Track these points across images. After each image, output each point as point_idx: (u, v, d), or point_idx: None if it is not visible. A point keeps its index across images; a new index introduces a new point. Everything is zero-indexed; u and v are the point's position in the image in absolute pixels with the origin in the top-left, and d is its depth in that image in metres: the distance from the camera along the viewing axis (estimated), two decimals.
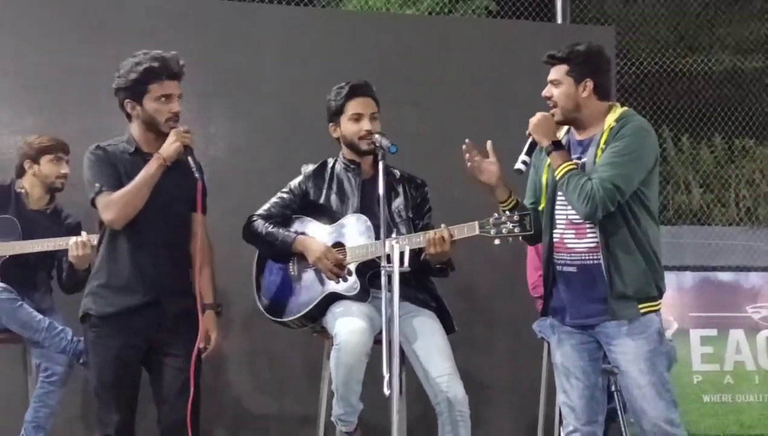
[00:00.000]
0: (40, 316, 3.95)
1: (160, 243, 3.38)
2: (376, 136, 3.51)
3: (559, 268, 3.25)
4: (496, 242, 3.26)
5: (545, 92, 3.28)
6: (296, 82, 5.06)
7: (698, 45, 8.59)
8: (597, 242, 3.16)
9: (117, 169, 3.39)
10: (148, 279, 3.35)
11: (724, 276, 5.93)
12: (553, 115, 3.26)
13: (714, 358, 5.46)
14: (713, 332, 5.53)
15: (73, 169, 4.31)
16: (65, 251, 3.99)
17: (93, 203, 3.41)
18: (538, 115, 3.25)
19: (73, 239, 3.90)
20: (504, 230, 3.24)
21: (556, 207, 3.26)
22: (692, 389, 5.42)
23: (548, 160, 3.27)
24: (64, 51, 4.84)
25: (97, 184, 3.36)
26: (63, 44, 4.86)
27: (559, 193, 3.24)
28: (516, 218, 3.23)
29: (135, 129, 3.46)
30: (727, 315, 5.58)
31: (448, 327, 3.61)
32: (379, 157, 3.41)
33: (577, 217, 3.18)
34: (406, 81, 5.07)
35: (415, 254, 3.34)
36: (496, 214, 3.28)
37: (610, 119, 3.24)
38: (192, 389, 3.26)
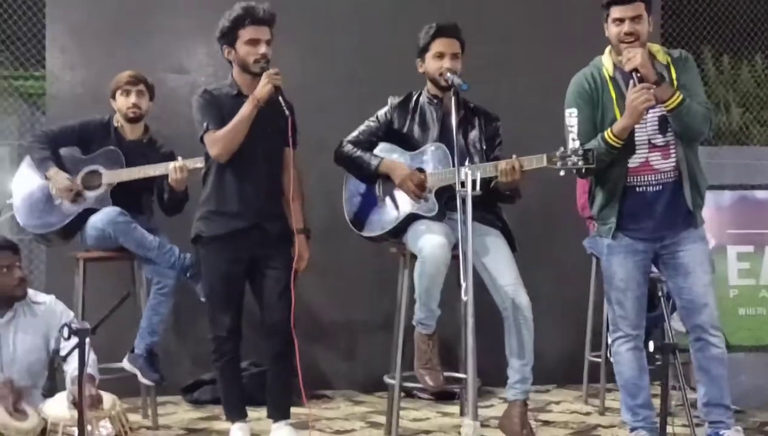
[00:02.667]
0: (151, 236, 4.32)
1: (260, 174, 3.82)
2: (448, 74, 3.83)
3: (640, 189, 3.57)
4: (562, 173, 3.61)
5: (628, 28, 3.49)
6: (364, 21, 5.39)
7: None
8: (677, 161, 3.53)
9: (221, 110, 3.81)
10: (251, 206, 3.80)
11: (761, 194, 5.91)
12: None
13: (750, 273, 5.27)
14: (750, 249, 5.31)
15: (159, 105, 4.77)
16: (164, 177, 4.34)
17: (201, 140, 3.86)
18: (639, 50, 3.45)
19: (171, 164, 4.23)
20: (569, 163, 3.55)
21: (637, 134, 3.53)
22: (729, 302, 5.54)
23: (612, 94, 3.54)
24: None
25: (205, 123, 3.81)
26: None
27: (646, 115, 3.49)
28: (581, 151, 3.54)
29: (236, 73, 3.89)
30: (764, 232, 5.34)
31: (511, 246, 3.96)
32: (452, 93, 3.77)
33: (660, 139, 3.52)
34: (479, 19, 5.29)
35: (487, 181, 3.68)
36: (562, 148, 3.60)
37: (660, 54, 3.56)
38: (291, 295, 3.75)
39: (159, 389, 4.57)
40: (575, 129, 3.63)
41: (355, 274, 5.33)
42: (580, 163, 3.58)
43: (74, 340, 3.02)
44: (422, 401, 5.05)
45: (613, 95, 3.59)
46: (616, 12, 3.56)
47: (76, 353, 3.01)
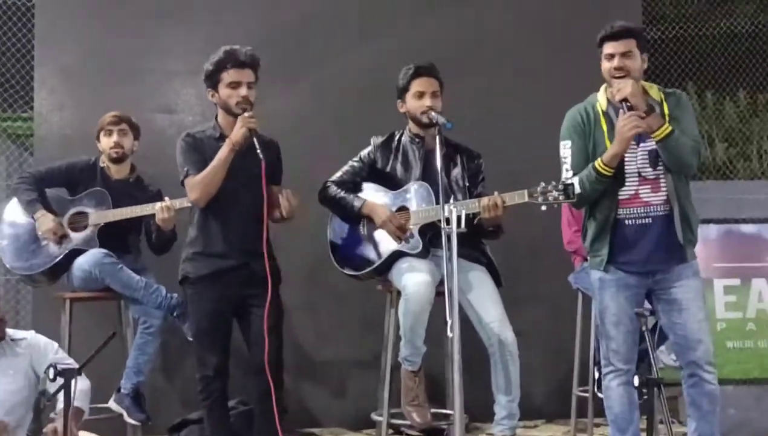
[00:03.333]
0: (138, 276, 4.34)
1: (246, 214, 3.82)
2: (432, 113, 3.90)
3: (629, 222, 3.60)
4: (543, 208, 3.67)
5: (617, 63, 3.57)
6: (354, 61, 5.46)
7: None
8: (667, 195, 3.57)
9: (203, 154, 3.85)
10: (237, 246, 3.82)
11: (747, 228, 5.88)
12: None
13: (737, 306, 5.38)
14: (736, 282, 5.42)
15: (147, 144, 4.81)
16: (151, 216, 4.36)
17: (183, 184, 3.90)
18: (628, 81, 3.53)
19: (158, 205, 4.26)
20: (550, 198, 3.61)
21: (626, 165, 3.58)
22: (716, 335, 5.49)
23: (604, 127, 3.60)
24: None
25: (185, 169, 3.87)
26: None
27: (634, 148, 3.55)
28: (561, 186, 3.61)
29: (220, 116, 3.93)
30: (750, 265, 5.45)
31: (497, 281, 4.00)
32: (436, 131, 3.81)
33: (649, 172, 3.57)
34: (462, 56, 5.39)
35: (470, 217, 3.70)
36: (543, 183, 3.65)
37: (654, 91, 3.63)
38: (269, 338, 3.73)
39: (145, 429, 4.55)
40: (569, 160, 3.69)
41: (341, 312, 5.34)
42: (561, 197, 3.65)
43: (60, 381, 3.02)
44: None
45: (605, 128, 3.65)
46: (608, 48, 3.63)
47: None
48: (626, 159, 3.60)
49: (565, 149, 3.70)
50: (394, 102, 4.15)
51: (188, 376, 5.19)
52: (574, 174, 3.63)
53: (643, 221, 3.62)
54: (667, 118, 3.58)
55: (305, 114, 5.35)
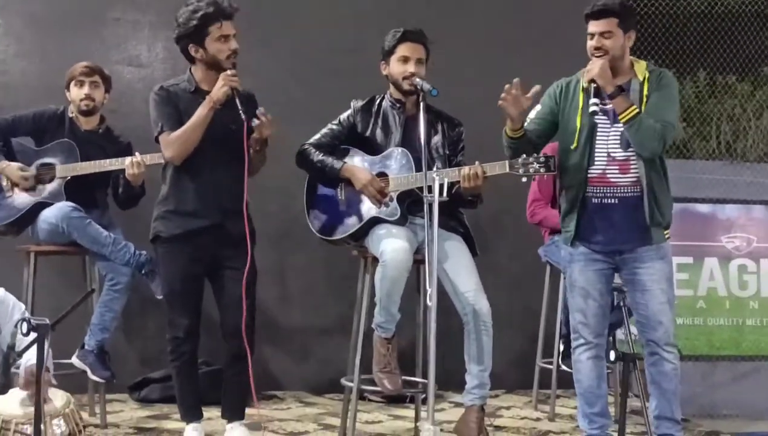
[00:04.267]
0: (106, 232, 4.24)
1: (221, 174, 3.75)
2: (417, 79, 3.85)
3: (596, 200, 3.63)
4: (524, 179, 3.69)
5: (595, 43, 3.56)
6: (333, 21, 5.39)
7: None
8: (638, 177, 3.58)
9: (177, 108, 3.75)
10: (211, 205, 3.75)
11: (702, 208, 5.94)
12: None
13: (689, 284, 5.56)
14: (689, 260, 5.61)
15: (115, 97, 4.68)
16: (120, 170, 4.26)
17: (157, 140, 3.81)
18: (598, 62, 3.53)
19: (128, 159, 4.14)
20: (531, 169, 3.63)
21: (596, 145, 3.62)
22: None
23: (580, 104, 3.61)
24: None
25: (159, 124, 3.76)
26: None
27: (607, 128, 3.59)
28: (542, 159, 3.63)
29: (197, 70, 3.82)
30: (703, 244, 5.62)
31: (473, 251, 3.99)
32: (420, 98, 3.79)
33: (620, 153, 3.59)
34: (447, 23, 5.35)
35: (449, 186, 3.65)
36: (524, 155, 3.68)
37: (641, 69, 3.62)
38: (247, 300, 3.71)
39: (106, 387, 4.48)
40: (527, 120, 3.72)
41: (309, 276, 5.34)
42: (542, 169, 3.67)
43: (32, 336, 2.94)
44: (373, 403, 5.05)
45: (580, 104, 3.65)
46: (589, 26, 3.63)
47: (33, 349, 2.94)
48: (597, 139, 3.62)
49: (533, 112, 3.74)
50: (375, 65, 4.09)
51: (148, 335, 5.19)
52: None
53: (609, 201, 3.64)
54: (645, 98, 3.58)
55: (282, 74, 5.28)
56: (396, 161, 3.97)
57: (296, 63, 5.34)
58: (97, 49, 5.19)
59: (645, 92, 3.61)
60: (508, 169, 3.70)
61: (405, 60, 3.94)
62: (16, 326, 3.24)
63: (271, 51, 5.27)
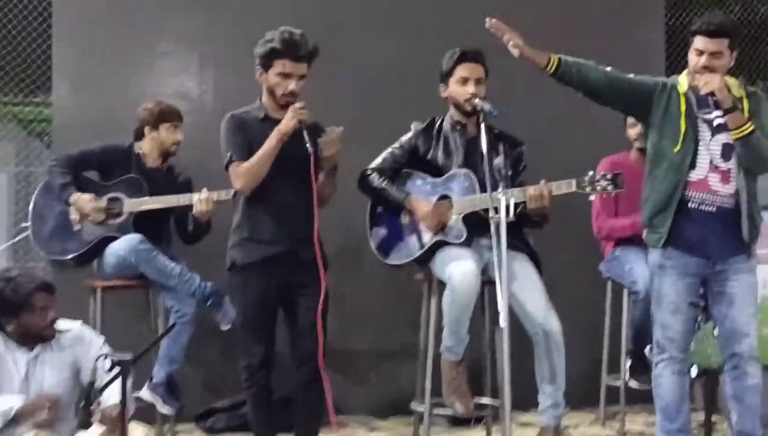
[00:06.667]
0: (173, 263, 4.29)
1: (292, 201, 3.77)
2: (477, 100, 3.83)
3: (693, 205, 3.60)
4: (591, 198, 3.67)
5: (706, 62, 3.53)
6: (390, 43, 5.36)
7: None
8: (736, 189, 3.57)
9: (247, 136, 3.78)
10: (284, 232, 3.77)
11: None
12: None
13: None
14: None
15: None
16: (184, 206, 4.33)
17: (226, 169, 3.83)
18: (718, 76, 3.50)
19: (197, 196, 4.20)
20: (598, 188, 3.62)
21: (699, 151, 3.59)
22: None
23: (682, 109, 3.59)
24: None
25: (229, 154, 3.78)
26: None
27: (709, 137, 3.59)
28: (609, 176, 3.62)
29: (265, 96, 3.87)
30: (758, 252, 5.74)
31: (538, 270, 3.98)
32: (481, 119, 3.74)
33: (722, 163, 3.58)
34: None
35: (515, 206, 3.69)
36: (591, 172, 3.66)
37: (734, 86, 3.61)
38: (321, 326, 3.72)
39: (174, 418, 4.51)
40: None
41: (369, 300, 5.30)
42: (609, 187, 3.66)
43: (113, 372, 2.97)
44: (439, 426, 5.02)
45: (683, 109, 3.63)
46: (699, 43, 3.59)
47: (114, 384, 2.97)
48: (700, 147, 3.61)
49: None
50: (431, 86, 4.09)
51: (212, 363, 5.20)
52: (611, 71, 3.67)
53: (708, 209, 3.62)
54: (745, 116, 3.57)
55: (340, 98, 5.26)
56: (458, 184, 3.98)
57: (349, 85, 5.34)
58: (149, 83, 5.25)
59: (746, 108, 3.60)
60: (575, 188, 3.69)
61: (464, 81, 3.94)
62: (96, 360, 3.28)
63: (324, 74, 5.28)
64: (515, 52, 3.60)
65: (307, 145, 3.68)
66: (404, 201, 3.99)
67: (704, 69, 3.55)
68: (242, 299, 3.86)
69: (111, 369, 2.97)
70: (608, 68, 3.72)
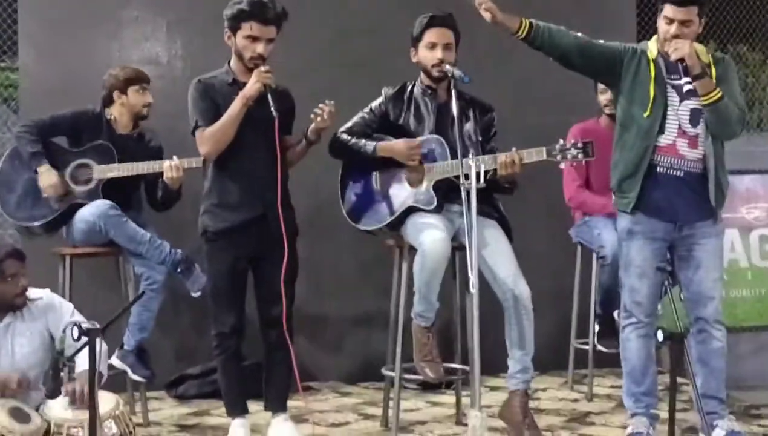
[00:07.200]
0: (143, 230, 4.25)
1: (261, 166, 3.76)
2: (447, 66, 3.84)
3: (661, 169, 3.64)
4: (562, 165, 3.69)
5: (676, 31, 3.54)
6: (346, 9, 5.34)
7: None
8: (704, 154, 3.60)
9: (215, 101, 3.76)
10: (253, 197, 3.76)
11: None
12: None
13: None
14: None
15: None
16: (154, 174, 4.27)
17: (193, 134, 3.82)
18: (688, 42, 3.51)
19: (167, 163, 4.14)
20: (569, 156, 3.64)
21: (668, 116, 3.62)
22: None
23: (652, 74, 3.61)
24: None
25: (195, 120, 3.77)
26: None
27: (677, 103, 3.61)
28: (580, 145, 3.64)
29: (233, 60, 3.83)
30: (723, 216, 5.68)
31: (509, 236, 3.98)
32: (451, 85, 3.76)
33: (690, 129, 3.60)
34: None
35: (485, 173, 3.67)
36: (561, 141, 3.68)
37: (702, 53, 3.61)
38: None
39: (145, 386, 4.50)
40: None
41: (340, 266, 5.32)
42: (580, 155, 3.68)
43: (82, 340, 2.96)
44: (410, 391, 5.05)
45: (652, 75, 3.65)
46: (668, 11, 3.60)
47: (83, 353, 2.96)
48: (669, 113, 3.63)
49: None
50: (405, 51, 4.07)
51: (183, 331, 5.21)
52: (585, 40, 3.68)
53: (677, 173, 3.65)
54: (714, 82, 3.58)
55: (311, 63, 5.22)
56: (430, 149, 3.95)
57: (318, 52, 5.30)
58: (114, 49, 5.18)
59: (713, 74, 3.61)
60: (545, 156, 3.71)
61: (432, 46, 3.92)
62: (64, 330, 3.27)
63: (292, 42, 5.23)
64: (487, 16, 3.60)
65: (273, 110, 3.66)
66: (375, 149, 3.95)
67: (674, 38, 3.56)
68: (214, 268, 3.86)
69: (79, 338, 2.96)
70: (579, 34, 3.72)
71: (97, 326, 2.99)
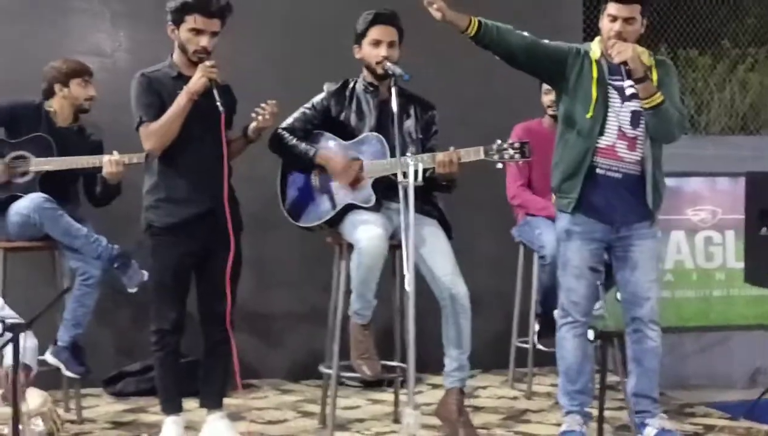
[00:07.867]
0: (78, 224, 4.18)
1: (207, 159, 3.71)
2: (388, 63, 3.82)
3: (601, 171, 3.66)
4: (499, 165, 3.71)
5: (619, 28, 3.55)
6: (293, 5, 5.31)
7: None
8: (642, 157, 3.62)
9: (159, 96, 3.71)
10: (201, 192, 3.72)
11: (668, 181, 6.13)
12: None
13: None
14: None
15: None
16: (94, 168, 4.20)
17: (137, 130, 3.75)
18: (631, 45, 3.52)
19: (106, 158, 4.10)
20: (506, 156, 3.66)
21: (609, 118, 3.64)
22: None
23: (594, 75, 3.63)
24: None
25: (139, 115, 3.71)
26: None
27: (618, 105, 3.62)
28: (517, 145, 3.66)
29: (176, 53, 3.79)
30: (669, 218, 5.59)
31: (448, 235, 3.98)
32: (392, 83, 3.74)
33: (629, 130, 3.62)
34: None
35: (424, 171, 3.67)
36: (498, 141, 3.69)
37: (644, 55, 3.63)
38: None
39: (81, 382, 4.44)
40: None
41: (281, 263, 5.30)
42: (517, 155, 3.69)
43: (7, 335, 2.90)
44: (351, 389, 5.04)
45: (594, 76, 3.67)
46: (611, 8, 3.61)
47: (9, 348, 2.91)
48: (609, 114, 3.65)
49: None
50: (348, 47, 4.04)
51: (121, 328, 5.14)
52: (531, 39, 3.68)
53: (615, 175, 3.68)
54: (655, 85, 3.60)
55: (253, 58, 5.18)
56: (371, 147, 3.94)
57: (264, 47, 5.27)
58: (57, 40, 5.09)
59: (655, 78, 3.64)
60: (483, 156, 3.72)
61: (377, 43, 3.91)
62: None
63: (239, 36, 5.19)
64: (437, 15, 3.59)
65: (219, 105, 3.62)
66: (315, 156, 3.94)
67: (617, 35, 3.57)
68: (159, 263, 3.80)
69: (2, 334, 2.90)
70: (525, 33, 3.73)
71: (22, 321, 2.95)
